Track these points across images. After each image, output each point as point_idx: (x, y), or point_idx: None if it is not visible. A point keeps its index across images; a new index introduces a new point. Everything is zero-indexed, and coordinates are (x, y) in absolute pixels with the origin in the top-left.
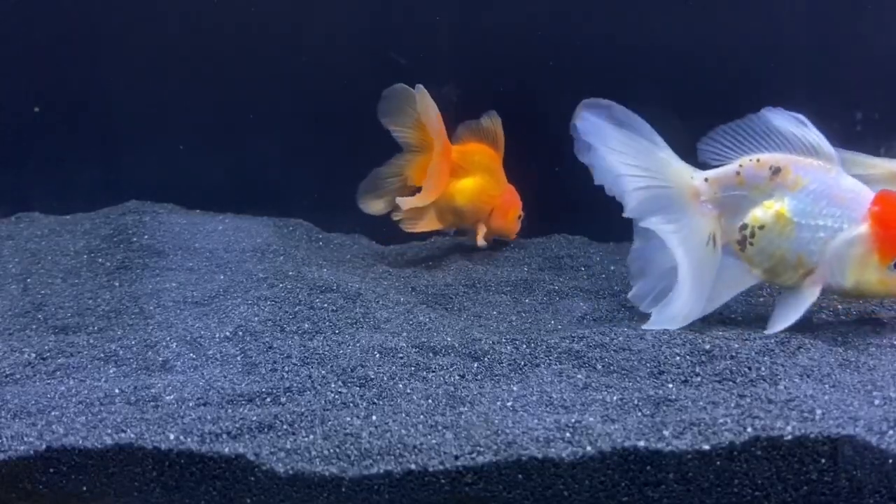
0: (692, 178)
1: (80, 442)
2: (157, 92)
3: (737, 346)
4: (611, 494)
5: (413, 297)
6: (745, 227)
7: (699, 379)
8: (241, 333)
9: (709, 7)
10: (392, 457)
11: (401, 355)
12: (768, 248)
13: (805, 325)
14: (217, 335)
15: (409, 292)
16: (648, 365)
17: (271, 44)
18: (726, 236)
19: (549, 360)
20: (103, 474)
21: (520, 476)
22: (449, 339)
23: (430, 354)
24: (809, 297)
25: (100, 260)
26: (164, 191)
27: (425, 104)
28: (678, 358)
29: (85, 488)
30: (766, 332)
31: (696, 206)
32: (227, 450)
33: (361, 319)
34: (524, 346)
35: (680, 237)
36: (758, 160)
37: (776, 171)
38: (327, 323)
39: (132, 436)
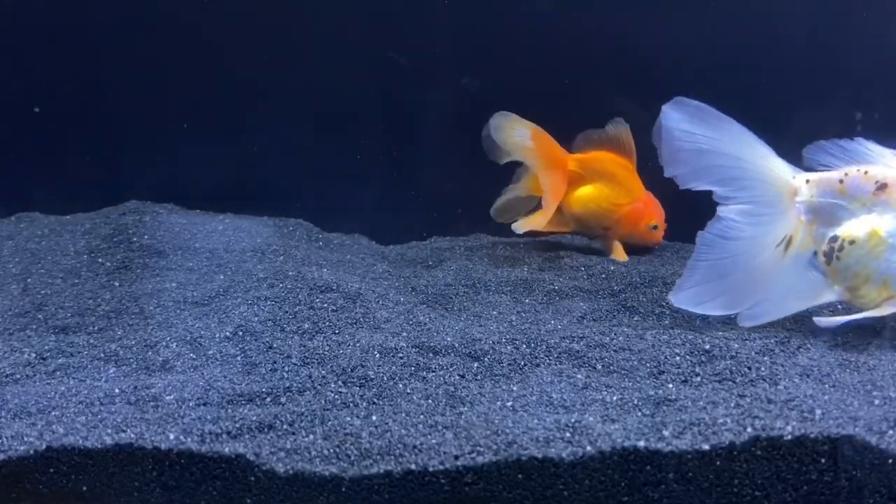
0: (793, 176)
1: (80, 442)
2: (157, 92)
3: (737, 346)
4: (611, 494)
5: (413, 297)
6: (835, 238)
7: (699, 379)
8: (241, 333)
9: (708, 5)
10: (392, 457)
11: (401, 355)
12: (854, 266)
13: (805, 325)
14: (217, 335)
15: (409, 292)
16: (648, 365)
17: (271, 43)
18: (815, 244)
19: (549, 360)
20: (103, 474)
21: (520, 476)
22: (449, 339)
23: (430, 354)
24: (876, 312)
25: (100, 260)
26: (164, 191)
27: (511, 128)
28: (678, 358)
29: (85, 488)
30: (817, 321)
31: (788, 205)
32: (227, 450)
33: (361, 319)
34: (524, 346)
35: (753, 230)
36: (865, 172)
37: (882, 186)
38: (327, 323)
39: (132, 436)
